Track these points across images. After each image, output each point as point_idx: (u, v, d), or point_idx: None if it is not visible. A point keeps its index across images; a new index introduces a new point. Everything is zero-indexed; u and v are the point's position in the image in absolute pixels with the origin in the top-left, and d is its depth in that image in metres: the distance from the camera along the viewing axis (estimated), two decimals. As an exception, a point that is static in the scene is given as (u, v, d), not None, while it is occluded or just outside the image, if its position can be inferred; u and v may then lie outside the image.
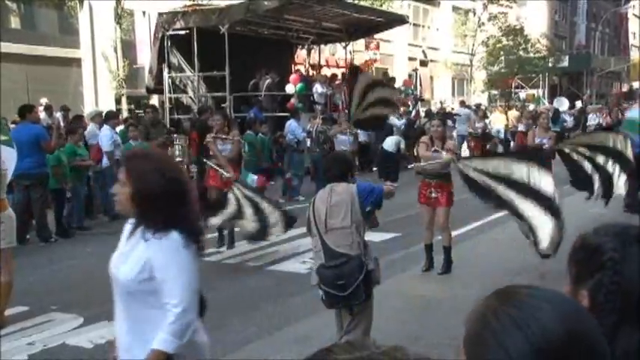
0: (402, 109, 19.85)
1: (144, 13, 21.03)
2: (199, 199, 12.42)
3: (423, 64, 33.73)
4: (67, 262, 8.63)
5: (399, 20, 21.21)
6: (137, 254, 2.59)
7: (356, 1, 21.66)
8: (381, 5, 24.65)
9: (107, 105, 18.35)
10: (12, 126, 11.87)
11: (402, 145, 15.89)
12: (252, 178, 10.69)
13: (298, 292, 6.64)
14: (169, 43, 16.72)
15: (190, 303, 2.57)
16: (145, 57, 19.78)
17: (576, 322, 1.02)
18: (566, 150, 6.93)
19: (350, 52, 21.85)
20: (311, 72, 21.07)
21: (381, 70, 28.03)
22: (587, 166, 6.73)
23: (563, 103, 27.39)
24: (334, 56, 24.55)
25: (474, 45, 35.09)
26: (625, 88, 47.51)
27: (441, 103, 28.62)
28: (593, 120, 24.90)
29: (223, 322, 6.05)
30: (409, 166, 15.89)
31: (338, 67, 23.72)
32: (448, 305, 6.19)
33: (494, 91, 37.02)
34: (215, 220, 7.97)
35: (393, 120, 18.40)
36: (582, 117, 23.20)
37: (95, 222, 11.30)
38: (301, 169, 14.38)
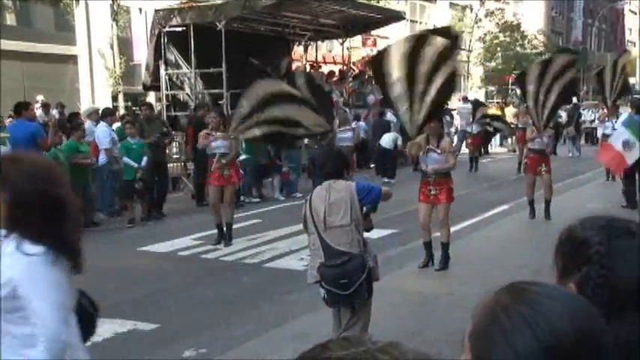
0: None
1: (140, 9, 20.96)
2: (198, 197, 12.49)
3: (420, 60, 33.67)
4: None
5: (396, 17, 21.17)
6: (2, 269, 2.32)
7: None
8: (378, 2, 24.61)
9: (104, 102, 18.32)
10: (9, 120, 11.86)
11: (400, 142, 15.88)
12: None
13: (295, 290, 6.64)
14: (166, 40, 16.67)
15: (60, 325, 2.32)
16: (142, 54, 19.72)
17: (585, 321, 1.01)
18: None
19: (347, 49, 21.82)
20: (309, 69, 21.05)
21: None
22: None
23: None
24: (331, 53, 24.51)
25: (470, 41, 35.09)
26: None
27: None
28: (589, 116, 24.89)
29: (220, 320, 6.06)
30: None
31: (335, 63, 23.69)
32: (445, 302, 6.20)
33: (492, 88, 37.05)
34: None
35: (391, 116, 18.43)
36: (575, 113, 23.22)
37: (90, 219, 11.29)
38: (298, 166, 14.37)
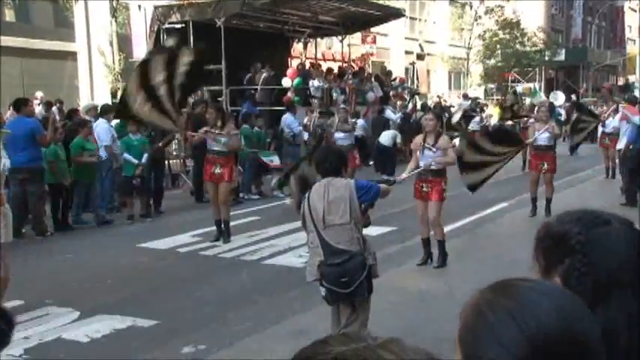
0: (398, 103, 19.86)
1: (139, 6, 20.88)
2: (196, 194, 12.46)
3: (420, 57, 33.67)
4: (63, 256, 8.61)
5: (396, 14, 21.17)
6: None
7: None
8: (378, -1, 24.59)
9: (103, 99, 18.27)
10: (8, 114, 11.83)
11: (399, 140, 15.89)
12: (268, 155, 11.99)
13: (294, 287, 6.64)
14: (165, 37, 16.66)
15: None
16: (141, 51, 19.66)
17: (575, 318, 1.01)
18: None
19: (347, 46, 21.81)
20: (308, 66, 21.04)
21: (378, 64, 28.02)
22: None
23: (558, 97, 27.39)
24: (330, 50, 24.50)
25: (470, 38, 35.06)
26: (621, 82, 47.54)
27: (439, 97, 28.58)
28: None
29: (219, 317, 6.06)
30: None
31: (334, 60, 23.68)
32: (444, 299, 6.20)
33: (491, 85, 37.03)
34: None
35: (390, 114, 18.42)
36: (574, 111, 23.21)
37: (92, 216, 11.27)
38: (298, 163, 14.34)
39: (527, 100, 27.86)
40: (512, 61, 35.59)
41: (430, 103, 24.34)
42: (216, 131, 8.92)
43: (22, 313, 6.11)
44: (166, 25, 16.49)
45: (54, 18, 19.92)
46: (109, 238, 9.59)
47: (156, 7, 16.99)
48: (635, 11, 53.65)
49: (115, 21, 19.74)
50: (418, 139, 7.62)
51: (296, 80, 17.99)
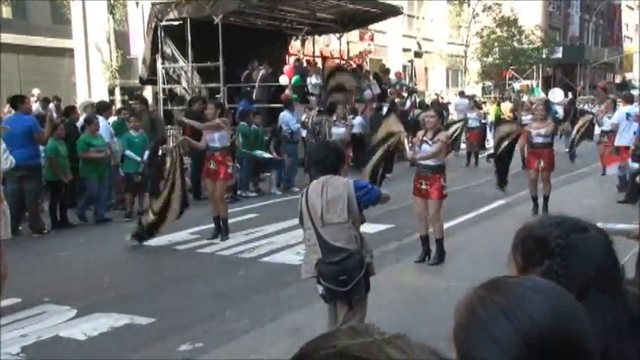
0: (396, 100, 19.84)
1: (137, 3, 20.89)
2: (194, 192, 12.46)
3: (418, 55, 33.67)
4: (60, 254, 8.60)
5: (394, 11, 21.13)
6: None
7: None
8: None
9: (100, 96, 18.28)
10: (5, 110, 11.80)
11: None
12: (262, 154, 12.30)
13: (292, 284, 6.64)
14: (163, 34, 16.64)
15: None
16: (139, 47, 19.67)
17: (569, 316, 1.01)
18: None
19: (345, 43, 21.79)
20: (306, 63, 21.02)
21: (376, 62, 27.99)
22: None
23: (556, 95, 27.41)
24: (328, 47, 24.47)
25: (468, 36, 35.06)
26: (618, 79, 47.59)
27: (437, 94, 28.59)
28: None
29: (216, 314, 6.06)
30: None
31: (332, 58, 23.66)
32: (441, 296, 6.20)
33: (489, 83, 37.04)
34: None
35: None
36: (572, 108, 23.22)
37: (90, 213, 11.26)
38: (296, 160, 14.36)
39: (525, 98, 27.90)
40: (509, 58, 35.59)
41: (428, 100, 24.33)
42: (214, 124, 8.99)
43: (20, 311, 6.12)
44: (164, 22, 16.46)
45: (51, 15, 19.90)
46: (106, 236, 9.58)
47: (153, 4, 16.95)
48: (633, 9, 53.70)
49: (113, 18, 19.73)
50: (419, 134, 7.67)
51: (294, 78, 17.98)
